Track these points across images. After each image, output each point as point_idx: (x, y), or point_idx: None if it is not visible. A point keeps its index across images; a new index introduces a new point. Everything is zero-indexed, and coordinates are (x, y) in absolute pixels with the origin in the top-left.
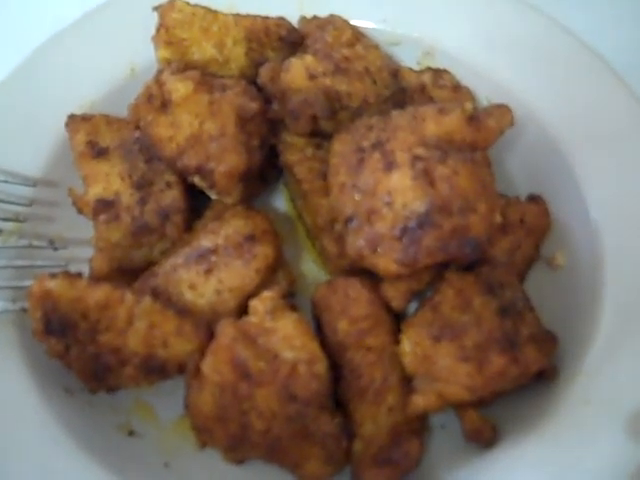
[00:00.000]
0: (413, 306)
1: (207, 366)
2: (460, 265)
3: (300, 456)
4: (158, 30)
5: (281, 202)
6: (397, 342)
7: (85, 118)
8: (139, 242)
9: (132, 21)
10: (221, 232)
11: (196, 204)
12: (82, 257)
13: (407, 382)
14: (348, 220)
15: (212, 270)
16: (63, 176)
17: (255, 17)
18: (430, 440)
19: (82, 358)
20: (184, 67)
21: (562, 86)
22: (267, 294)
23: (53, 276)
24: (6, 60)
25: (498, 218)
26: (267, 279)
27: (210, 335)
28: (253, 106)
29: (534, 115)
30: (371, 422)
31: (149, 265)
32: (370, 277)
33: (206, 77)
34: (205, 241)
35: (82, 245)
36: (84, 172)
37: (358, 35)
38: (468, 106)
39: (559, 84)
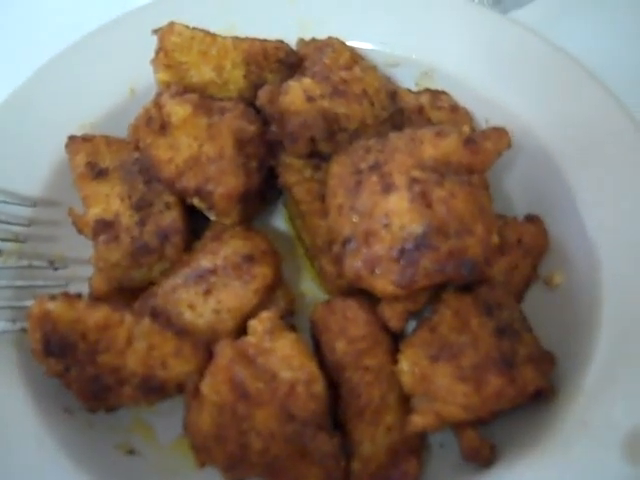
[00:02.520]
0: (411, 326)
1: (206, 386)
2: (458, 285)
3: (298, 475)
4: (157, 53)
5: (280, 222)
6: (395, 362)
7: (85, 139)
8: (138, 262)
9: (132, 43)
10: (220, 253)
11: (195, 225)
12: (82, 276)
13: (405, 402)
14: (346, 241)
15: (211, 290)
16: (63, 196)
17: (253, 40)
18: (428, 459)
19: (81, 378)
20: (183, 90)
21: (560, 107)
22: (266, 314)
23: (52, 297)
24: (6, 81)
25: (495, 239)
26: (266, 299)
27: (209, 355)
28: (251, 128)
29: (532, 135)
30: (369, 441)
31: (148, 285)
32: (368, 297)
33: (205, 100)
34: (204, 261)
35: (82, 265)
36: (84, 193)
37: (356, 57)
38: (465, 129)
39: (557, 105)
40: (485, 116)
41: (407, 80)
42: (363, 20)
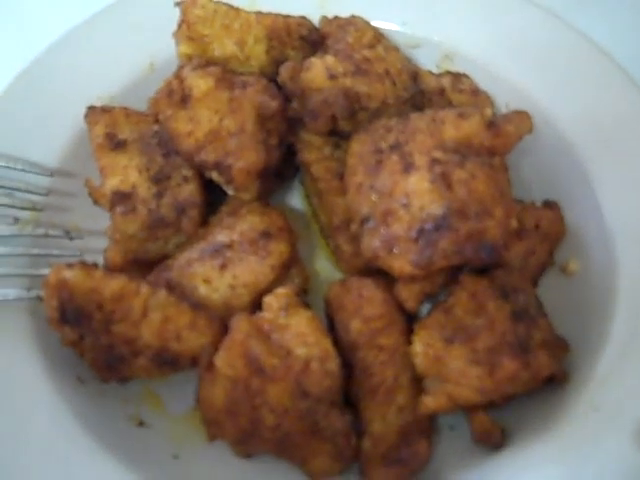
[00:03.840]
0: (426, 308)
1: (220, 360)
2: (474, 269)
3: (309, 452)
4: (180, 26)
5: (297, 200)
6: (409, 343)
7: (104, 110)
8: (154, 235)
9: (153, 16)
10: (237, 228)
11: (212, 199)
12: (97, 248)
13: (418, 383)
14: (364, 220)
15: (227, 265)
16: (80, 167)
17: (277, 16)
18: (439, 441)
19: (96, 348)
20: (205, 63)
21: (580, 93)
22: (281, 291)
23: (69, 266)
24: (26, 51)
25: (514, 223)
26: (281, 276)
27: (224, 329)
28: (273, 104)
29: (551, 121)
30: (381, 421)
31: (163, 258)
32: (384, 277)
33: (227, 74)
34: (220, 236)
35: (97, 236)
36: (102, 163)
37: (379, 36)
38: (488, 112)
39: (577, 91)
40: (505, 101)
41: (428, 62)
42: (385, 1)
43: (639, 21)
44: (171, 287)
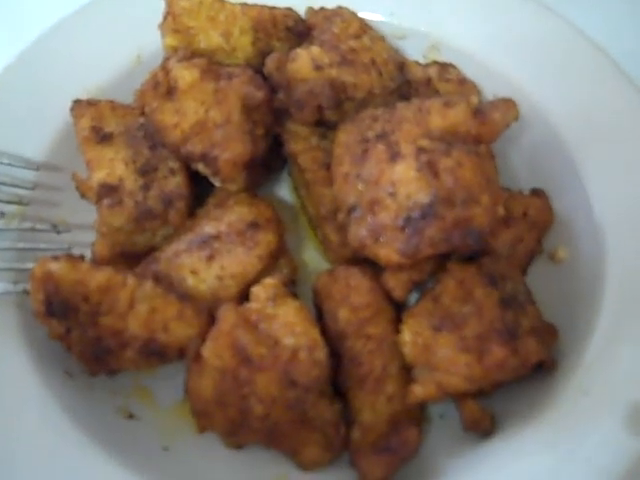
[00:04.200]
0: (414, 297)
1: (208, 351)
2: (462, 256)
3: (299, 442)
4: (165, 18)
5: (284, 191)
6: (397, 331)
7: (90, 103)
8: (142, 227)
9: (139, 8)
10: (224, 219)
11: (199, 191)
12: (84, 241)
13: (407, 371)
14: (351, 210)
15: (214, 256)
16: (67, 161)
17: (262, 7)
18: (429, 430)
19: (83, 340)
20: (191, 55)
21: (567, 81)
22: (269, 281)
23: (55, 258)
24: (12, 44)
25: (501, 210)
26: (269, 266)
27: (211, 320)
28: (259, 95)
29: (538, 109)
30: (370, 410)
31: (151, 250)
32: (371, 267)
33: (212, 65)
34: (208, 227)
35: (84, 229)
36: (88, 157)
37: (365, 27)
38: (474, 99)
39: (564, 79)
40: (493, 90)
41: (415, 53)
42: None
43: (624, 11)
44: (159, 279)
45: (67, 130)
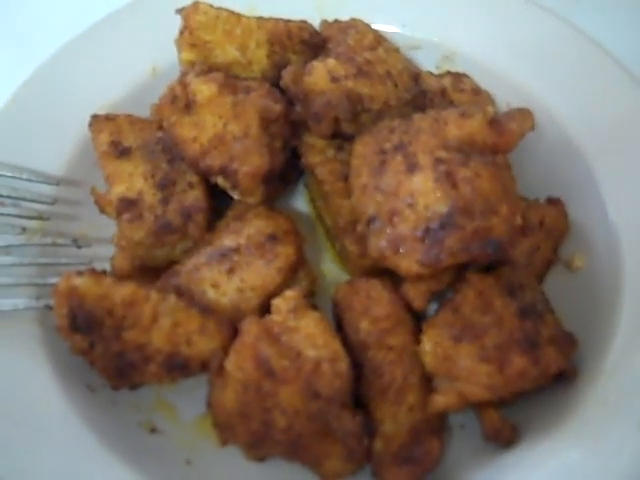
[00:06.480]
0: (433, 307)
1: (231, 364)
2: (480, 266)
3: (321, 453)
4: (182, 32)
5: (302, 203)
6: (418, 342)
7: (109, 118)
8: (161, 241)
9: (154, 22)
10: (243, 232)
11: (218, 204)
12: (104, 255)
13: (427, 381)
14: (370, 221)
15: (234, 269)
16: (86, 175)
17: (278, 20)
18: (450, 440)
19: (106, 355)
20: (208, 69)
21: (581, 89)
22: (290, 293)
23: (79, 273)
24: (29, 60)
25: (519, 220)
26: (288, 278)
27: (233, 333)
28: (276, 108)
29: (553, 118)
30: (392, 421)
31: (171, 264)
32: (390, 277)
33: (230, 79)
34: (227, 240)
35: (104, 244)
36: (107, 171)
37: (379, 39)
38: (490, 110)
39: (578, 88)
40: (506, 100)
41: (428, 63)
42: (384, 3)
43: (637, 18)
44: (180, 292)
45: (85, 144)
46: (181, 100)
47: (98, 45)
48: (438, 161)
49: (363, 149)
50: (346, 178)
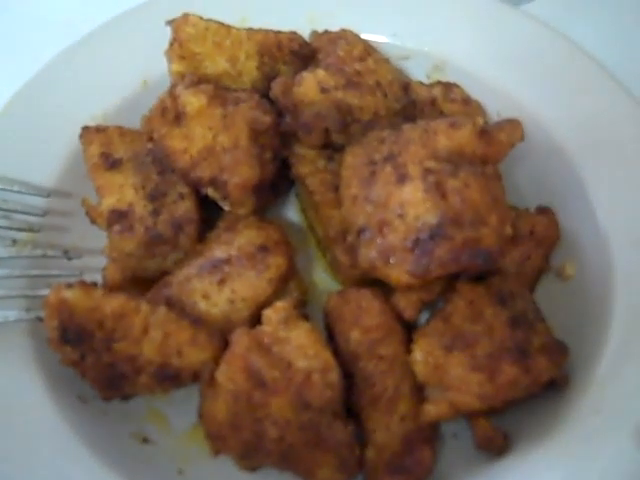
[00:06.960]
0: (424, 316)
1: (222, 375)
2: (471, 276)
3: (313, 463)
4: (172, 44)
5: (293, 213)
6: (409, 352)
7: (99, 129)
8: (152, 252)
9: (144, 34)
10: (234, 243)
11: (209, 215)
12: (95, 267)
13: (419, 391)
14: (360, 231)
15: (225, 280)
16: (76, 187)
17: (267, 32)
18: (442, 449)
19: (97, 367)
20: (197, 81)
21: (571, 99)
22: (280, 304)
23: (69, 286)
24: (20, 72)
25: (509, 230)
26: (279, 289)
27: (224, 344)
28: (266, 119)
29: (543, 128)
30: (384, 430)
31: (162, 275)
32: (381, 287)
33: (219, 91)
34: (218, 251)
35: (95, 255)
36: (98, 183)
37: (369, 49)
38: (479, 120)
39: (568, 98)
40: (497, 109)
41: (419, 73)
42: (374, 13)
43: (625, 26)
44: (171, 303)
45: (76, 156)
46: (171, 112)
47: (89, 57)
48: (428, 171)
49: (353, 160)
50: (336, 189)
